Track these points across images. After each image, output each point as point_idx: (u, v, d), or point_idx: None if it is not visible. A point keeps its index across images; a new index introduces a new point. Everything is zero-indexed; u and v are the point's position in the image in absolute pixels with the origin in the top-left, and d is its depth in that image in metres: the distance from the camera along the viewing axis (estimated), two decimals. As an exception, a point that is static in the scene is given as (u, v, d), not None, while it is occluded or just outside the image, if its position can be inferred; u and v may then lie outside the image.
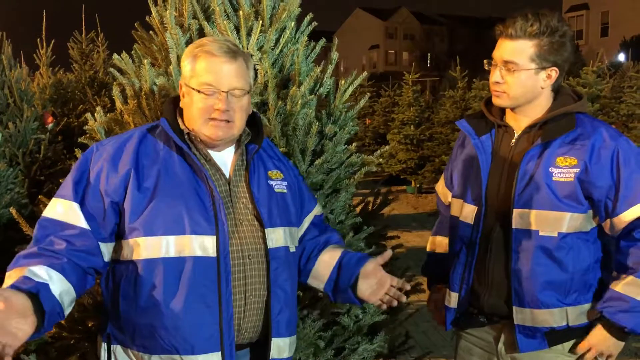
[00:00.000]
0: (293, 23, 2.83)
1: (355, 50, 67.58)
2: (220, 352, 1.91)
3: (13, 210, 3.16)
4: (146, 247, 1.90)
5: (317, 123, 2.70)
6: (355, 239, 2.80)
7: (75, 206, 1.93)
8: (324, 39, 2.99)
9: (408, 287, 2.15)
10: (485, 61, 2.35)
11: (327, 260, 2.22)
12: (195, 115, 2.01)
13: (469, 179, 2.42)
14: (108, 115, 2.79)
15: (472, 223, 2.36)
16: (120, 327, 1.97)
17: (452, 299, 2.45)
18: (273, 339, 2.04)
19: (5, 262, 4.72)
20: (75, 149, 2.88)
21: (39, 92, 8.64)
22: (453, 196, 2.53)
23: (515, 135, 2.35)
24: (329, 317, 2.72)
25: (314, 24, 2.96)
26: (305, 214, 2.30)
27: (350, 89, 2.89)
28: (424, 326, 5.81)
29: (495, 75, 2.30)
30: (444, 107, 14.28)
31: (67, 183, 1.97)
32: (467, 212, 2.39)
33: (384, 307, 2.17)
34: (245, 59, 2.06)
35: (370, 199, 3.26)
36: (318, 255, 2.26)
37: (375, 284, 2.12)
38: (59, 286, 1.80)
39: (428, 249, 2.81)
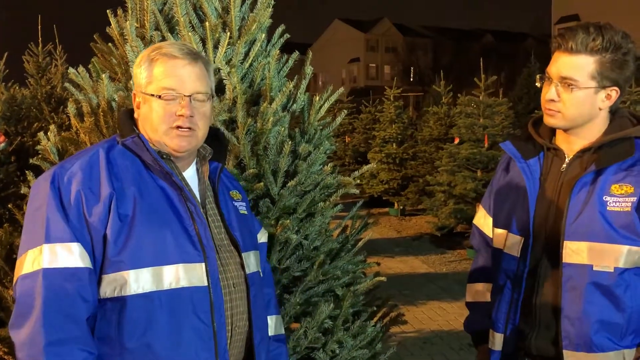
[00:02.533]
0: (264, 35, 2.84)
1: (334, 64, 68.16)
2: None
3: (-43, 239, 3.09)
4: (134, 281, 1.82)
5: (290, 142, 2.70)
6: (331, 267, 2.79)
7: (77, 246, 1.82)
8: (297, 52, 3.00)
9: None
10: (537, 76, 2.28)
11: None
12: (156, 124, 1.94)
13: (514, 207, 2.34)
14: (63, 134, 2.76)
15: (518, 256, 2.29)
16: None
17: (497, 341, 2.35)
18: None
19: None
20: (27, 172, 2.84)
21: (-10, 108, 8.54)
22: (495, 226, 2.45)
23: (567, 160, 2.28)
24: (303, 352, 2.69)
25: (287, 35, 2.98)
26: (255, 235, 2.29)
27: (326, 105, 2.90)
28: (408, 360, 5.79)
29: (550, 93, 2.21)
30: (427, 124, 14.40)
31: (51, 221, 1.82)
32: (512, 243, 2.32)
33: None
34: (205, 63, 2.03)
35: (349, 222, 3.25)
36: None
37: None
38: None
39: (468, 299, 2.65)
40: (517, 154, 2.36)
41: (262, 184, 2.66)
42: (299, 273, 2.73)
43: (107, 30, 2.85)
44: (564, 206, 2.19)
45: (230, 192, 2.18)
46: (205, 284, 1.89)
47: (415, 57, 60.49)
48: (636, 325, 2.15)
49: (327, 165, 2.84)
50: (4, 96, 9.86)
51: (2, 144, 6.96)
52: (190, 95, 1.94)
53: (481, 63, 12.22)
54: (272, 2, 2.84)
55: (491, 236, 2.52)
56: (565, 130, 2.27)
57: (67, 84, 2.83)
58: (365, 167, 3.07)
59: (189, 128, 1.94)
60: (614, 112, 2.27)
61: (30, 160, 2.85)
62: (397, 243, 11.38)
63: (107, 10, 2.81)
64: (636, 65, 2.24)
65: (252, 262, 2.10)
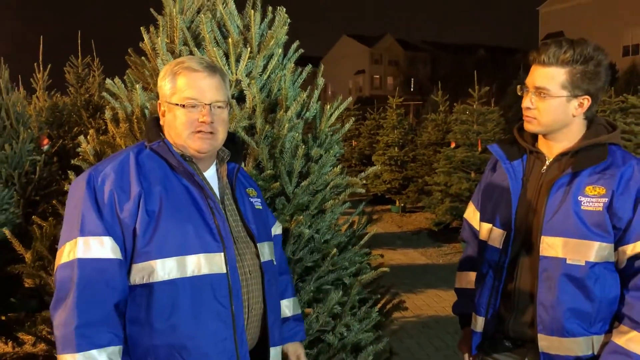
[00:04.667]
0: (280, 50, 2.84)
1: (342, 75, 68.03)
2: None
3: (6, 231, 3.11)
4: (161, 270, 1.84)
5: (304, 146, 2.70)
6: (340, 258, 2.79)
7: (109, 239, 1.84)
8: (310, 65, 3.00)
9: None
10: (518, 87, 2.28)
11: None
12: (180, 129, 1.97)
13: (498, 203, 2.35)
14: (100, 137, 2.78)
15: (501, 247, 2.29)
16: (126, 352, 1.89)
17: (479, 323, 2.36)
18: (271, 347, 2.07)
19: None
20: (69, 171, 2.86)
21: (35, 114, 8.60)
22: (482, 220, 2.44)
23: (547, 162, 2.28)
24: (315, 334, 2.70)
25: (301, 50, 2.98)
26: (270, 228, 2.30)
27: (336, 114, 2.89)
28: (408, 342, 5.78)
29: (526, 101, 2.22)
30: (426, 130, 14.35)
31: (86, 217, 1.84)
32: (496, 236, 2.32)
33: None
34: (222, 75, 2.06)
35: (356, 218, 3.25)
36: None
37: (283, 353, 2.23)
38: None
39: (457, 286, 2.65)
40: (503, 155, 2.36)
41: (278, 183, 2.66)
42: (311, 264, 2.74)
43: (141, 45, 2.86)
44: (543, 204, 2.19)
45: (247, 190, 2.20)
46: (224, 271, 1.91)
47: (415, 69, 60.27)
48: (604, 314, 2.15)
49: (336, 167, 2.84)
50: (47, 103, 9.92)
51: (46, 146, 7.00)
52: (210, 104, 1.97)
53: (475, 75, 12.18)
54: (288, 21, 2.85)
55: (477, 228, 2.51)
56: (544, 135, 2.28)
57: (104, 93, 2.85)
58: (370, 169, 3.07)
59: (210, 132, 1.97)
60: (590, 119, 2.26)
61: (71, 161, 2.87)
62: (399, 237, 11.35)
63: (141, 27, 2.82)
64: (609, 76, 2.22)
65: (266, 251, 2.12)
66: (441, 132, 13.53)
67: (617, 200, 2.10)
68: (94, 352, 1.76)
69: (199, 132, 1.96)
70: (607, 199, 2.11)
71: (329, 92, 58.97)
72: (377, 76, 71.70)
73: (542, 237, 2.16)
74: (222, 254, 1.91)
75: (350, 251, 2.86)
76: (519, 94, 2.28)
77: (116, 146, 2.67)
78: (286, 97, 2.76)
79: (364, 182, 2.96)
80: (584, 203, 2.13)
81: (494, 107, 11.94)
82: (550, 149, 2.28)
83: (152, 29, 2.84)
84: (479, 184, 2.58)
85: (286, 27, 2.84)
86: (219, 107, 1.99)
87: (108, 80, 2.77)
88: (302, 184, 2.70)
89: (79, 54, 10.87)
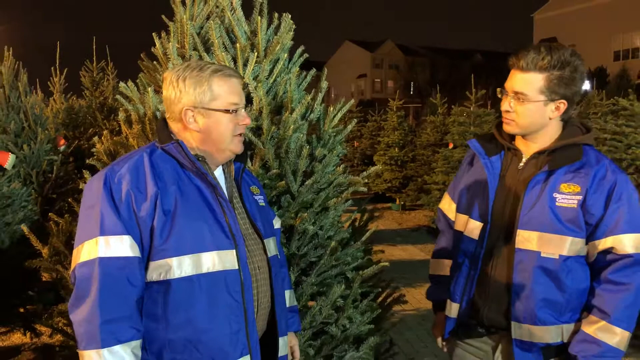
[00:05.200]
0: (286, 55, 2.84)
1: (345, 79, 67.99)
2: (249, 355, 1.91)
3: (24, 227, 3.12)
4: (177, 267, 1.83)
5: (308, 146, 2.70)
6: (342, 254, 2.79)
7: (128, 238, 1.82)
8: (314, 69, 3.00)
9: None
10: (498, 90, 2.28)
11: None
12: (225, 134, 1.97)
13: (476, 196, 2.35)
14: (114, 138, 2.78)
15: (477, 239, 2.30)
16: (142, 347, 1.87)
17: (453, 310, 2.37)
18: (280, 337, 2.09)
19: (16, 275, 4.68)
20: (84, 170, 2.87)
21: (52, 116, 8.62)
22: (458, 211, 2.44)
23: (524, 159, 2.30)
24: (318, 326, 2.70)
25: (305, 55, 2.98)
26: (272, 224, 2.31)
27: (339, 115, 2.89)
28: (407, 334, 5.78)
29: (505, 104, 2.23)
30: (425, 131, 14.32)
31: (105, 216, 1.82)
32: (472, 227, 2.33)
33: None
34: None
35: (358, 215, 3.25)
36: None
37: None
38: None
39: (431, 272, 2.64)
40: (482, 151, 2.37)
41: (283, 182, 2.66)
42: (314, 258, 2.74)
43: (152, 50, 2.86)
44: (520, 199, 2.20)
45: (251, 188, 2.20)
46: (236, 267, 1.90)
47: (414, 73, 60.18)
48: (574, 304, 2.18)
49: (339, 166, 2.84)
50: (64, 106, 9.95)
51: (62, 147, 7.01)
52: (243, 107, 2.02)
53: (472, 79, 12.15)
54: (293, 27, 2.85)
55: (452, 219, 2.52)
56: (522, 135, 2.29)
57: (117, 96, 2.85)
58: (371, 168, 3.06)
59: (241, 134, 2.02)
60: (566, 120, 2.28)
61: (87, 161, 2.87)
62: (399, 233, 11.34)
63: (153, 33, 2.82)
64: (585, 80, 2.24)
65: (271, 247, 2.13)
66: (439, 134, 13.51)
67: (590, 198, 2.12)
68: (118, 347, 1.76)
69: (239, 135, 2.00)
70: (581, 197, 2.13)
71: (332, 95, 58.93)
72: (378, 80, 71.64)
73: (518, 230, 2.18)
74: (234, 250, 1.91)
75: (352, 247, 2.86)
76: (499, 96, 2.29)
77: (129, 146, 2.67)
78: (291, 100, 2.76)
79: (366, 181, 2.96)
80: (559, 199, 2.15)
81: (490, 109, 11.92)
82: (528, 147, 2.30)
83: (163, 34, 2.85)
84: (456, 176, 2.58)
85: (291, 33, 2.84)
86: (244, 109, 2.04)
87: (121, 84, 2.77)
88: (307, 182, 2.70)
89: (94, 58, 10.89)
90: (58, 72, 10.07)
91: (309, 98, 2.82)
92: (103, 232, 1.81)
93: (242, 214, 2.06)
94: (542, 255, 2.14)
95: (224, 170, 2.09)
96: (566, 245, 2.14)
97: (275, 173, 2.66)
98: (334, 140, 2.87)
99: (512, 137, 2.36)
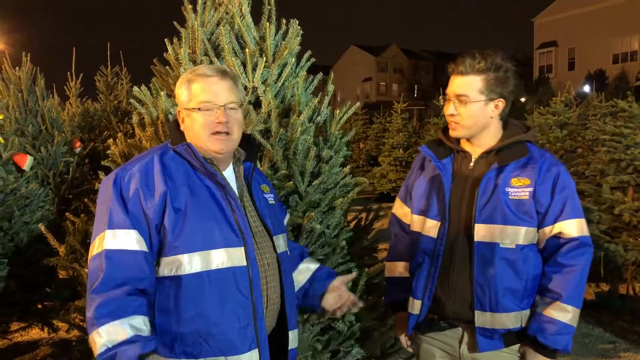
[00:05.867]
0: (294, 59, 2.84)
1: (351, 82, 67.92)
2: (257, 349, 1.92)
3: (42, 226, 3.13)
4: (188, 263, 1.85)
5: (315, 148, 2.70)
6: (349, 252, 2.78)
7: (135, 232, 1.85)
8: (321, 73, 3.00)
9: (360, 304, 2.33)
10: (440, 97, 2.39)
11: (304, 271, 2.32)
12: (199, 132, 1.97)
13: (431, 197, 2.41)
14: (128, 140, 2.79)
15: (436, 237, 2.35)
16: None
17: (415, 306, 2.40)
18: (289, 331, 2.09)
19: (34, 272, 4.69)
20: (99, 171, 2.88)
21: (68, 119, 8.67)
22: (414, 213, 2.49)
23: (473, 159, 2.38)
24: (326, 322, 2.70)
25: (312, 59, 2.98)
26: (282, 221, 2.31)
27: (345, 118, 2.89)
28: (412, 329, 5.76)
29: (449, 109, 2.32)
30: (429, 133, 14.31)
31: (113, 212, 1.86)
32: (430, 226, 2.38)
33: (338, 314, 2.32)
34: (233, 78, 2.06)
35: (363, 215, 3.25)
36: (297, 264, 2.32)
37: (336, 297, 2.28)
38: (151, 330, 1.82)
39: (387, 275, 2.65)
40: (433, 155, 2.44)
41: (291, 182, 2.66)
42: (322, 257, 2.74)
43: (165, 56, 2.88)
44: (474, 196, 2.28)
45: (261, 186, 2.20)
46: (245, 264, 1.91)
47: (418, 76, 60.06)
48: (531, 291, 2.27)
49: (345, 167, 2.84)
50: (79, 109, 9.99)
51: (78, 149, 7.05)
52: (224, 105, 1.97)
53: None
54: (301, 32, 2.85)
55: (408, 222, 2.56)
56: (467, 139, 2.38)
57: (131, 100, 2.86)
58: (376, 169, 3.06)
59: (226, 132, 1.97)
60: (505, 120, 2.38)
61: (102, 162, 2.89)
62: (403, 232, 11.28)
63: (165, 39, 2.83)
64: (517, 80, 2.37)
65: (281, 243, 2.12)
66: (443, 135, 13.47)
67: (539, 188, 2.25)
68: (114, 323, 1.75)
69: (216, 133, 1.96)
70: (532, 188, 2.25)
71: (339, 98, 58.89)
72: (383, 83, 71.55)
73: (476, 225, 2.26)
74: (243, 248, 1.92)
75: (359, 245, 2.86)
76: (441, 103, 2.38)
77: (142, 148, 2.68)
78: (299, 103, 2.76)
79: (371, 181, 2.96)
80: (511, 193, 2.25)
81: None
82: (474, 148, 2.39)
83: (175, 40, 2.85)
84: (407, 181, 2.63)
85: (299, 38, 2.84)
86: (232, 108, 1.99)
87: (135, 88, 2.79)
88: (314, 183, 2.70)
89: (109, 63, 10.95)
90: (74, 76, 10.12)
91: (316, 101, 2.82)
92: (111, 226, 1.85)
93: (251, 212, 2.06)
94: (501, 246, 2.23)
95: (234, 169, 2.10)
96: (521, 235, 2.23)
97: (284, 174, 2.67)
98: (340, 142, 2.87)
99: (458, 141, 2.44)
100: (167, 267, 1.87)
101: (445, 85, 2.43)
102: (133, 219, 1.85)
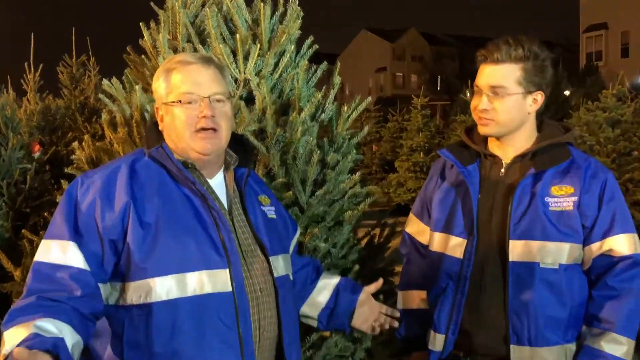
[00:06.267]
0: (293, 46, 2.85)
1: (361, 73, 68.08)
2: None
3: (-6, 246, 3.14)
4: (159, 288, 1.85)
5: (319, 151, 2.70)
6: (360, 276, 2.78)
7: (73, 245, 1.85)
8: (325, 63, 3.01)
9: (397, 313, 2.33)
10: (466, 90, 2.38)
11: (324, 288, 2.33)
12: (181, 129, 1.97)
13: (455, 211, 2.41)
14: (97, 144, 2.80)
15: (462, 257, 2.34)
16: None
17: (438, 342, 2.39)
18: None
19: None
20: (62, 180, 2.89)
21: (25, 119, 8.70)
22: (435, 230, 2.48)
23: (504, 164, 2.38)
24: (334, 359, 2.69)
25: (315, 46, 2.99)
26: (290, 239, 2.32)
27: (354, 115, 2.90)
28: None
29: (482, 103, 2.32)
30: (455, 133, 14.30)
31: (58, 221, 1.89)
32: (455, 245, 2.37)
33: (377, 332, 2.32)
34: (218, 66, 2.07)
35: (377, 231, 3.25)
36: (314, 283, 2.33)
37: (367, 311, 2.30)
38: (71, 340, 1.75)
39: (400, 307, 2.61)
40: (457, 160, 2.44)
41: (290, 192, 2.67)
42: (327, 281, 2.73)
43: (140, 42, 2.89)
44: (508, 208, 2.27)
45: (259, 197, 2.19)
46: (230, 289, 1.90)
47: (441, 65, 60.16)
48: (576, 319, 2.26)
49: (355, 174, 2.85)
50: (38, 106, 10.02)
51: (37, 153, 7.08)
52: (209, 97, 1.97)
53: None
54: (301, 14, 2.86)
55: (424, 243, 2.56)
56: (498, 137, 2.37)
57: (100, 95, 2.87)
58: (392, 176, 3.06)
59: (213, 129, 1.97)
60: (540, 120, 2.40)
61: (65, 170, 2.89)
62: (425, 251, 11.26)
63: (141, 23, 2.85)
64: (553, 70, 2.40)
65: (280, 265, 2.11)
66: (471, 135, 13.48)
67: (584, 198, 2.24)
68: (17, 327, 1.71)
69: (201, 130, 1.96)
70: (576, 198, 2.25)
71: (347, 92, 59.04)
72: (400, 74, 71.72)
73: (510, 241, 2.25)
74: (227, 270, 1.91)
75: (371, 268, 2.85)
76: (467, 98, 2.39)
77: (114, 153, 2.69)
78: (299, 98, 2.77)
79: (386, 190, 2.96)
80: (552, 204, 2.25)
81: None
82: (505, 151, 2.39)
83: (152, 24, 2.87)
84: (423, 193, 2.64)
85: (299, 21, 2.86)
86: (218, 100, 1.99)
87: (105, 81, 2.80)
88: (317, 193, 2.70)
89: (73, 52, 10.98)
90: (32, 67, 10.16)
91: (320, 96, 2.82)
92: (49, 236, 1.89)
93: (243, 227, 2.05)
94: (541, 266, 2.22)
95: (224, 176, 2.10)
96: (565, 253, 2.23)
97: (281, 182, 2.67)
98: (349, 144, 2.87)
99: (485, 143, 2.44)
100: (135, 293, 1.86)
101: (473, 76, 2.45)
102: (77, 232, 1.87)
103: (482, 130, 2.37)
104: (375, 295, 2.44)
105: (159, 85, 2.03)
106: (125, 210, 1.87)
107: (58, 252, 1.86)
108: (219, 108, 1.99)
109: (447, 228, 2.42)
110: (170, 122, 2.01)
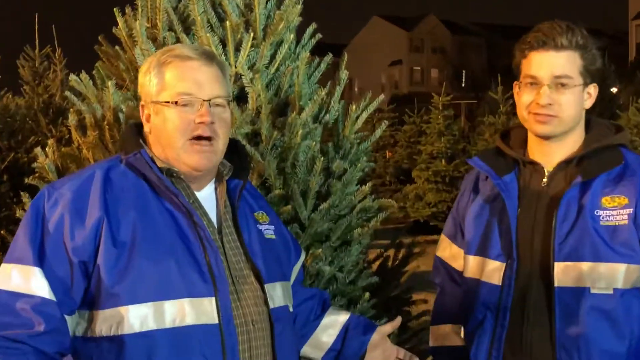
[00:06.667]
0: (292, 35, 2.86)
1: (373, 67, 68.30)
2: None
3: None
4: (133, 318, 1.83)
5: (322, 158, 2.71)
6: (371, 305, 2.78)
7: (37, 271, 1.84)
8: (330, 55, 3.02)
9: (416, 359, 2.28)
10: (515, 83, 2.35)
11: (330, 325, 2.30)
12: (172, 136, 1.96)
13: (491, 230, 2.40)
14: (63, 149, 2.81)
15: (500, 284, 2.33)
16: None
17: None
18: None
19: None
20: (22, 192, 2.89)
21: (-20, 121, 8.71)
22: (469, 253, 2.48)
23: (547, 173, 2.36)
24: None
25: (319, 36, 2.99)
26: (292, 265, 2.30)
27: (364, 116, 2.91)
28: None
29: (544, 96, 2.26)
30: (483, 137, 14.34)
31: (21, 243, 1.87)
32: (492, 270, 2.37)
33: None
34: (221, 65, 2.06)
35: (391, 252, 3.24)
36: (319, 319, 2.31)
37: (379, 356, 2.27)
38: None
39: (432, 344, 2.65)
40: (491, 170, 2.42)
41: (289, 207, 2.67)
42: (333, 311, 2.73)
43: (114, 31, 2.90)
44: (552, 224, 2.26)
45: (255, 214, 2.18)
46: (216, 321, 1.89)
47: (466, 58, 60.36)
48: (635, 356, 2.21)
49: (366, 185, 2.84)
50: (-4, 106, 10.06)
51: (-6, 161, 7.09)
52: (209, 100, 1.96)
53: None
54: (303, -2, 2.88)
55: (459, 269, 2.56)
56: (547, 138, 2.34)
57: (67, 93, 2.88)
58: (409, 187, 3.06)
59: (209, 138, 1.96)
60: (587, 118, 2.39)
61: (26, 180, 2.90)
62: (447, 276, 11.26)
63: (115, 9, 2.85)
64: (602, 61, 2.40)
65: (277, 294, 2.09)
66: (502, 140, 13.50)
67: None
68: None
69: (197, 139, 1.95)
70: (631, 209, 2.21)
71: (356, 89, 59.21)
72: (418, 68, 71.94)
73: (556, 263, 2.23)
74: (214, 298, 1.90)
75: (384, 295, 2.85)
76: (517, 92, 2.36)
77: (82, 160, 2.70)
78: (300, 96, 2.78)
79: (402, 204, 2.96)
80: (602, 218, 2.22)
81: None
82: (549, 157, 2.37)
83: (128, 10, 2.88)
84: (454, 211, 2.63)
85: (299, 7, 2.87)
86: (218, 104, 1.99)
87: (72, 76, 2.80)
88: (321, 207, 2.71)
89: (36, 43, 11.01)
90: (-12, 61, 10.20)
91: (324, 93, 2.83)
92: (9, 260, 1.88)
93: (234, 248, 2.05)
94: (592, 291, 2.19)
95: (216, 189, 2.09)
96: (621, 276, 2.18)
97: (279, 195, 2.68)
98: (358, 150, 2.88)
99: (523, 149, 2.43)
100: (105, 323, 1.86)
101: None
102: (43, 255, 1.86)
103: (540, 129, 2.32)
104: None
105: (149, 79, 2.01)
106: (97, 226, 1.86)
107: (19, 278, 1.85)
108: (218, 114, 1.98)
109: (482, 250, 2.41)
110: (160, 125, 1.99)
